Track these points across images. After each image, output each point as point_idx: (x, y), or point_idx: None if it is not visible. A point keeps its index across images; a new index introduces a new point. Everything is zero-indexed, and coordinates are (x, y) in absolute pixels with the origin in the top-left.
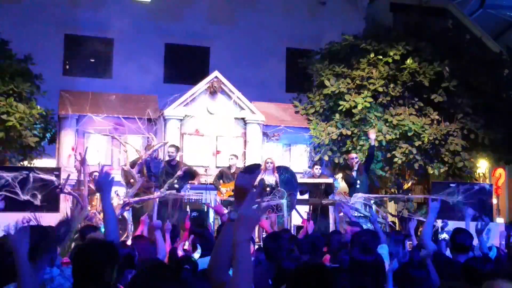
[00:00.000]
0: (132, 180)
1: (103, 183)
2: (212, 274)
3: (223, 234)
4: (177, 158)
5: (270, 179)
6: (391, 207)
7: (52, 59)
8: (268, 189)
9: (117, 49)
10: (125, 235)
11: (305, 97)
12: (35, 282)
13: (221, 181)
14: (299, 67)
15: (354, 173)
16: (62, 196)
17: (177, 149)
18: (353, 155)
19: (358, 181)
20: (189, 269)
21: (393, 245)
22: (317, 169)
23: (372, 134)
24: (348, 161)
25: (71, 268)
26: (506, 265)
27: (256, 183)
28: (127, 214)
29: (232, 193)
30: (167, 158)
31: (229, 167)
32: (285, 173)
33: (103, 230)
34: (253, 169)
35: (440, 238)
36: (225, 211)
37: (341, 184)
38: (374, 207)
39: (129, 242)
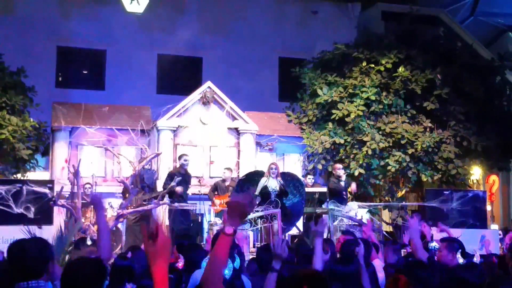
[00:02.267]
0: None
1: (95, 201)
2: (206, 286)
3: (216, 247)
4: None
5: (274, 184)
6: (386, 215)
7: (45, 71)
8: (272, 195)
9: (109, 61)
10: (119, 247)
11: (298, 106)
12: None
13: (215, 193)
14: (291, 76)
15: (342, 184)
16: (55, 208)
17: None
18: (339, 165)
19: (345, 192)
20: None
21: (392, 255)
22: (309, 179)
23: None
24: (334, 171)
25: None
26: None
27: (257, 192)
28: (121, 226)
29: (225, 205)
30: (178, 166)
31: (223, 180)
32: (291, 179)
33: (89, 242)
34: (247, 186)
35: (430, 247)
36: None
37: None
38: (368, 215)
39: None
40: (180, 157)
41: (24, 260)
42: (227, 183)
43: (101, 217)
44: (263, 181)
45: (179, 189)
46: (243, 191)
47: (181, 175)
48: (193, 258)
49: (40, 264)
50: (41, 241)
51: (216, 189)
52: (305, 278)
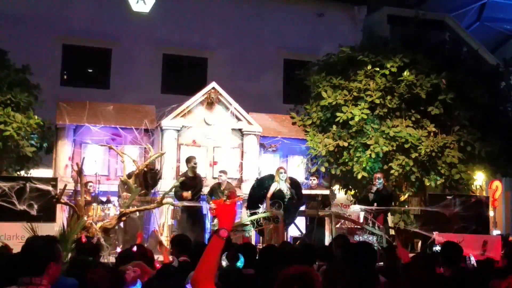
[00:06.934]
0: (124, 194)
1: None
2: (196, 285)
3: (209, 248)
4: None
5: (285, 189)
6: (388, 219)
7: (50, 69)
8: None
9: (115, 60)
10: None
11: (302, 109)
12: None
13: (211, 197)
14: (296, 78)
15: (371, 195)
16: (58, 206)
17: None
18: (378, 175)
19: (376, 203)
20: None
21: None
22: (313, 181)
23: None
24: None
25: None
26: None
27: (269, 194)
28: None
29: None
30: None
31: (219, 184)
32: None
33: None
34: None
35: (434, 251)
36: None
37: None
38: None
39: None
40: (188, 161)
41: (27, 256)
42: (222, 187)
43: None
44: (275, 185)
45: (186, 194)
46: (258, 197)
47: (191, 180)
48: (198, 257)
49: (40, 262)
50: (48, 240)
51: (212, 193)
52: (295, 277)
